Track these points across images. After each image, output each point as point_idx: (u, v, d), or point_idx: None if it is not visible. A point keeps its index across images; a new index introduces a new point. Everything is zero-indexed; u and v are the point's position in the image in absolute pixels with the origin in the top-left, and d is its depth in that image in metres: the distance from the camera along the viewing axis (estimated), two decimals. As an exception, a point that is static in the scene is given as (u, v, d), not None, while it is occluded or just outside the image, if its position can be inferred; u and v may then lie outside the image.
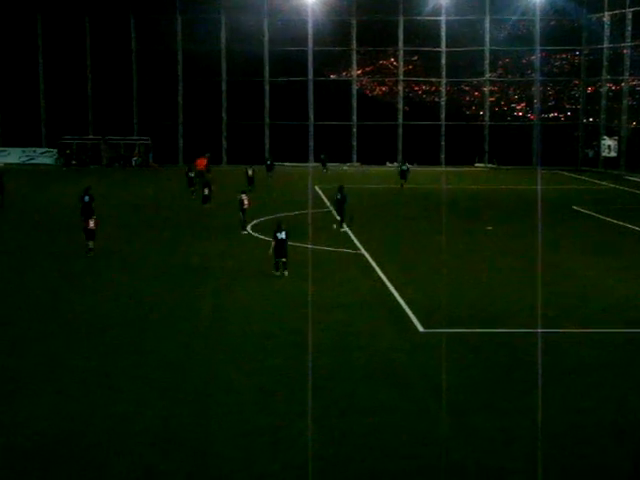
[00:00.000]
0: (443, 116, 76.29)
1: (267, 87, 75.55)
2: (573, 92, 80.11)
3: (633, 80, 71.96)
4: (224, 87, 75.49)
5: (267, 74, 75.37)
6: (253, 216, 41.65)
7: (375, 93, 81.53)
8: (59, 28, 73.86)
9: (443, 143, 75.76)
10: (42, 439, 16.11)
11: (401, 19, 74.78)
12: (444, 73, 76.11)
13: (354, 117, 76.00)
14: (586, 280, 30.67)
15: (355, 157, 76.08)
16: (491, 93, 78.44)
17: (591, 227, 43.47)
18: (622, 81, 71.96)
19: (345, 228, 39.96)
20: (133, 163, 72.56)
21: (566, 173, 71.05)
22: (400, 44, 75.59)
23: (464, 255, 34.58)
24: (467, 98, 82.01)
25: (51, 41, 74.08)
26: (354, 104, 76.11)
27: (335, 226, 40.09)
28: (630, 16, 69.49)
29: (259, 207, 44.34)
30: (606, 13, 72.25)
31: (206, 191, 46.54)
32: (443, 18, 74.40)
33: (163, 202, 50.07)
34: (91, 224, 33.81)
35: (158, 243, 37.06)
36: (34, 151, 73.84)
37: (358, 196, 48.11)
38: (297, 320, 24.21)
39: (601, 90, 74.78)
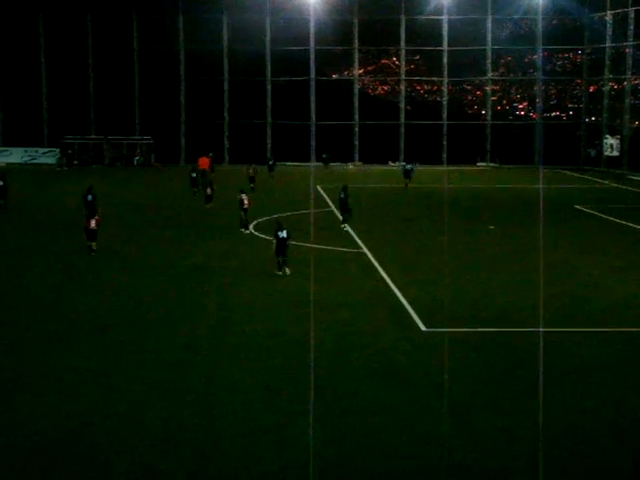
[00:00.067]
0: (445, 115, 76.28)
1: (269, 86, 75.51)
2: (575, 91, 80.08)
3: (635, 79, 71.90)
4: (226, 86, 75.48)
5: (269, 73, 75.33)
6: (255, 215, 41.63)
7: (377, 92, 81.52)
8: (61, 28, 73.86)
9: (445, 142, 75.71)
10: (42, 439, 16.08)
11: (403, 18, 74.72)
12: (446, 72, 76.06)
13: (356, 116, 75.94)
14: (588, 279, 30.61)
15: (357, 156, 76.05)
16: (493, 92, 78.36)
17: (593, 226, 43.41)
18: (624, 80, 71.89)
19: (347, 228, 39.92)
20: (135, 163, 72.55)
21: (568, 172, 70.98)
22: (402, 43, 75.55)
23: (466, 254, 34.53)
24: (469, 97, 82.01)
25: (53, 41, 74.08)
26: (356, 103, 76.05)
27: (343, 226, 39.96)
28: (632, 15, 69.41)
29: (261, 207, 44.33)
30: (608, 12, 72.18)
31: (209, 191, 46.59)
32: (445, 17, 74.39)
33: (165, 202, 50.04)
34: (92, 224, 33.62)
35: (160, 242, 37.01)
36: (36, 151, 73.83)
37: (360, 195, 48.08)
38: (300, 319, 24.19)
39: (603, 89, 74.73)
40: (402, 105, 76.62)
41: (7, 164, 69.19)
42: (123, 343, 22.22)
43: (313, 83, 74.85)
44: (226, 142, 75.74)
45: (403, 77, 76.80)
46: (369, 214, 44.49)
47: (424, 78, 79.11)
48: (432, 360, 20.87)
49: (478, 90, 79.96)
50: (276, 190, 55.37)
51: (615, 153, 71.57)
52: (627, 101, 71.47)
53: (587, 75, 76.99)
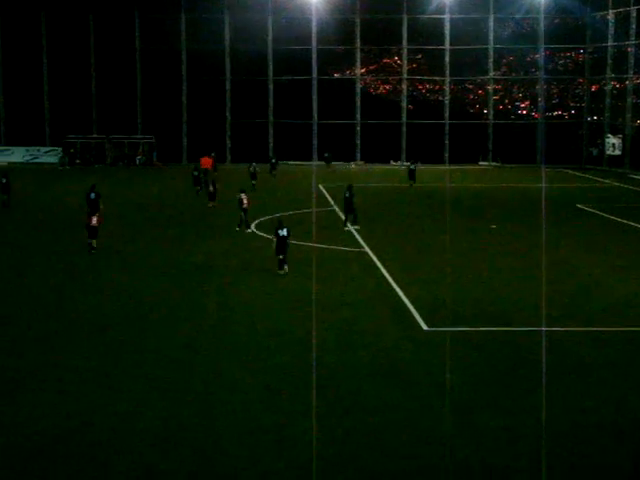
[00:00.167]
0: (447, 114, 76.26)
1: (271, 86, 75.47)
2: (577, 90, 80.00)
3: (637, 78, 71.78)
4: (228, 86, 75.47)
5: (271, 73, 75.31)
6: (257, 215, 41.60)
7: (379, 91, 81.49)
8: (63, 27, 73.89)
9: (447, 141, 75.68)
10: (42, 439, 16.04)
11: (405, 17, 74.68)
12: (448, 71, 76.04)
13: (358, 116, 75.91)
14: (590, 278, 30.56)
15: (359, 156, 76.01)
16: (495, 91, 78.31)
17: (595, 225, 43.37)
18: (626, 79, 71.82)
19: (349, 227, 39.88)
20: (137, 162, 72.57)
21: (570, 171, 70.93)
22: (404, 42, 75.50)
23: (468, 253, 34.49)
24: (471, 96, 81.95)
25: (55, 40, 74.10)
26: (358, 103, 76.02)
27: (356, 227, 39.81)
28: (634, 14, 69.33)
29: (263, 206, 44.30)
30: (610, 11, 72.12)
31: (211, 188, 46.63)
32: (447, 16, 74.35)
33: (167, 201, 50.05)
34: (94, 221, 33.65)
35: (162, 241, 36.99)
36: (38, 150, 73.86)
37: (362, 195, 47.96)
38: (301, 318, 24.17)
39: (605, 88, 74.64)
40: (404, 104, 76.57)
41: (9, 163, 69.26)
42: (123, 342, 22.18)
43: (315, 82, 74.84)
44: (228, 141, 75.73)
45: (405, 76, 76.76)
46: (371, 213, 44.40)
47: (426, 77, 79.11)
48: (434, 359, 20.82)
49: (480, 89, 79.91)
50: (278, 189, 55.38)
51: (617, 152, 71.47)
52: (629, 100, 71.36)
53: (589, 74, 76.91)
